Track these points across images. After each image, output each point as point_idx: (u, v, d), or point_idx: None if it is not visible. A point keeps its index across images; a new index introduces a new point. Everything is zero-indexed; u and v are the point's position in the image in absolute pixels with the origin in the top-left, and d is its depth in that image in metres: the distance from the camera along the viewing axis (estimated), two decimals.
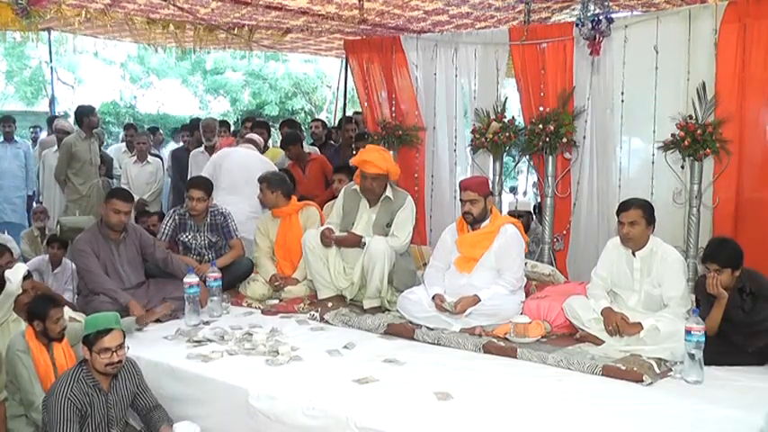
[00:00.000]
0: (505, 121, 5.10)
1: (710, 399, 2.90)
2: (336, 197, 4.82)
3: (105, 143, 8.42)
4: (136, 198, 5.67)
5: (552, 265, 4.90)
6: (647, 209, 3.59)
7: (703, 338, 3.07)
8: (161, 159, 7.19)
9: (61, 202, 6.44)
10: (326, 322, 4.09)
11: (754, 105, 4.23)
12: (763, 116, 4.23)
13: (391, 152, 5.64)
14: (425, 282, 4.12)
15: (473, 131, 5.24)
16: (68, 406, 2.77)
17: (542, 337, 3.66)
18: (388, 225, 4.40)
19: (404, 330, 3.86)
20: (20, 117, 9.35)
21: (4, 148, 7.22)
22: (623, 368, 3.16)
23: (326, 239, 4.35)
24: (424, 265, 4.64)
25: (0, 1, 5.33)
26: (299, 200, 4.89)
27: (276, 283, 4.60)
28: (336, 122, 8.36)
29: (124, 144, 7.67)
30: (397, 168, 4.51)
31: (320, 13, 6.01)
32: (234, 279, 4.64)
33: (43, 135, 8.28)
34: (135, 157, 6.83)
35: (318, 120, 8.34)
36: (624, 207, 3.62)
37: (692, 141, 4.18)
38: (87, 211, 5.97)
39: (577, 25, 4.51)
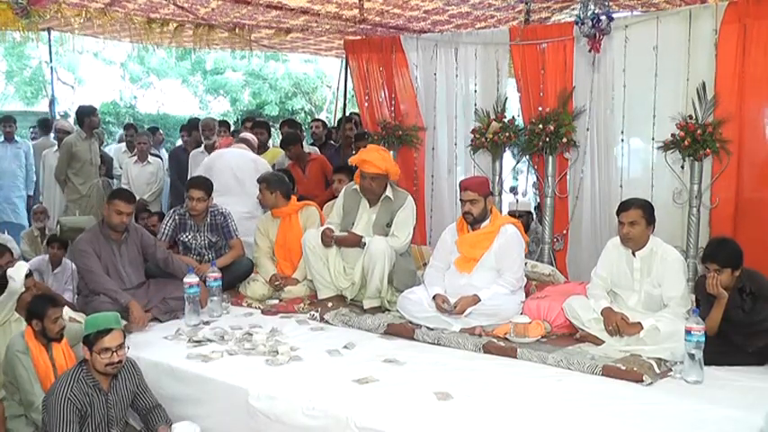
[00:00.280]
0: (505, 121, 5.11)
1: (710, 399, 2.90)
2: (336, 197, 4.82)
3: (105, 143, 8.41)
4: (136, 198, 5.67)
5: (552, 265, 4.90)
6: (647, 209, 3.59)
7: (703, 338, 3.07)
8: (161, 159, 7.19)
9: (61, 202, 6.44)
10: (326, 322, 4.09)
11: (754, 105, 4.23)
12: (763, 116, 4.23)
13: (391, 152, 5.65)
14: (425, 282, 4.12)
15: (473, 131, 5.25)
16: (68, 406, 2.77)
17: (542, 337, 3.66)
18: (389, 225, 4.40)
19: (404, 330, 3.86)
20: (20, 117, 9.34)
21: (5, 148, 7.23)
22: (623, 368, 3.16)
23: (327, 239, 4.36)
24: (424, 265, 4.64)
25: (0, 1, 5.33)
26: (298, 200, 4.89)
27: (276, 283, 4.60)
28: (336, 122, 8.36)
29: (124, 144, 7.67)
30: (396, 168, 4.50)
31: (320, 12, 6.01)
32: (234, 279, 4.64)
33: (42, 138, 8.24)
34: (135, 158, 6.83)
35: (319, 120, 8.34)
36: (624, 207, 3.62)
37: (692, 141, 4.19)
38: (87, 211, 5.97)
39: (577, 23, 4.50)
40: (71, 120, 7.27)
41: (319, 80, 16.42)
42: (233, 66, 16.23)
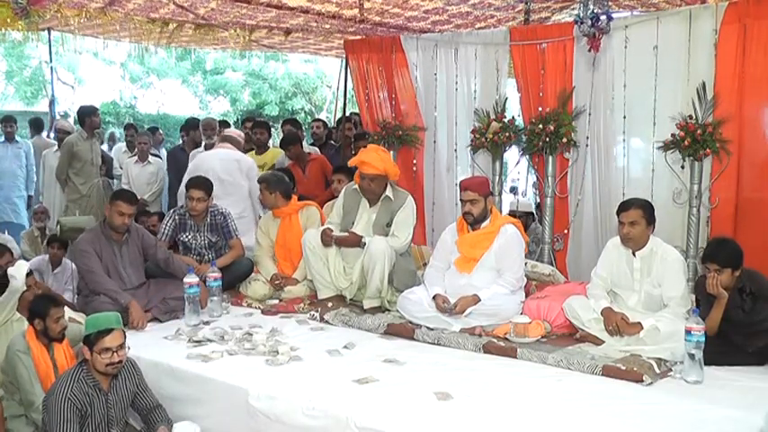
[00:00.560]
0: (505, 121, 5.11)
1: (710, 399, 2.90)
2: (336, 197, 4.82)
3: (105, 143, 8.42)
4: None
5: (552, 265, 4.90)
6: (647, 209, 3.59)
7: (703, 338, 3.07)
8: (161, 159, 7.18)
9: (61, 202, 6.45)
10: (326, 322, 4.09)
11: (754, 105, 4.23)
12: (763, 116, 4.23)
13: (391, 152, 5.65)
14: (425, 282, 4.12)
15: (473, 131, 5.25)
16: (68, 406, 2.77)
17: (542, 337, 3.66)
18: (388, 225, 4.40)
19: (404, 330, 3.86)
20: (20, 117, 9.33)
21: (5, 148, 7.23)
22: (623, 368, 3.16)
23: (327, 239, 4.36)
24: (424, 265, 4.64)
25: (0, 1, 5.33)
26: (299, 200, 4.89)
27: (277, 282, 4.60)
28: (336, 122, 8.35)
29: (124, 144, 7.67)
30: (395, 169, 4.50)
31: (320, 11, 6.01)
32: (234, 279, 4.64)
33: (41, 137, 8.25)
34: (136, 158, 6.83)
35: (319, 120, 8.33)
36: (624, 207, 3.62)
37: (692, 141, 4.19)
38: (87, 211, 5.97)
39: (577, 22, 4.51)
40: (71, 120, 7.26)
41: (319, 80, 16.44)
42: (233, 66, 16.24)
